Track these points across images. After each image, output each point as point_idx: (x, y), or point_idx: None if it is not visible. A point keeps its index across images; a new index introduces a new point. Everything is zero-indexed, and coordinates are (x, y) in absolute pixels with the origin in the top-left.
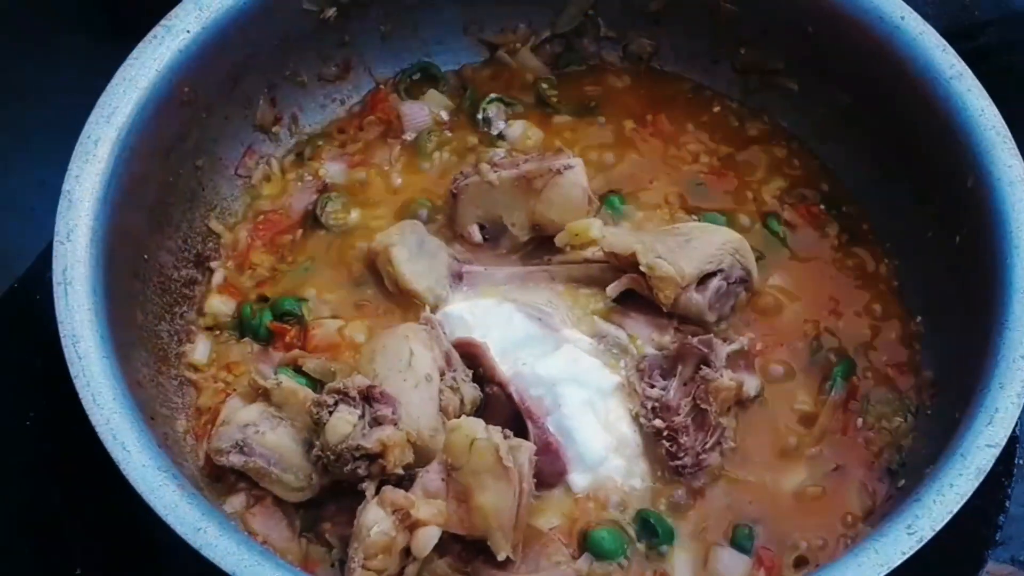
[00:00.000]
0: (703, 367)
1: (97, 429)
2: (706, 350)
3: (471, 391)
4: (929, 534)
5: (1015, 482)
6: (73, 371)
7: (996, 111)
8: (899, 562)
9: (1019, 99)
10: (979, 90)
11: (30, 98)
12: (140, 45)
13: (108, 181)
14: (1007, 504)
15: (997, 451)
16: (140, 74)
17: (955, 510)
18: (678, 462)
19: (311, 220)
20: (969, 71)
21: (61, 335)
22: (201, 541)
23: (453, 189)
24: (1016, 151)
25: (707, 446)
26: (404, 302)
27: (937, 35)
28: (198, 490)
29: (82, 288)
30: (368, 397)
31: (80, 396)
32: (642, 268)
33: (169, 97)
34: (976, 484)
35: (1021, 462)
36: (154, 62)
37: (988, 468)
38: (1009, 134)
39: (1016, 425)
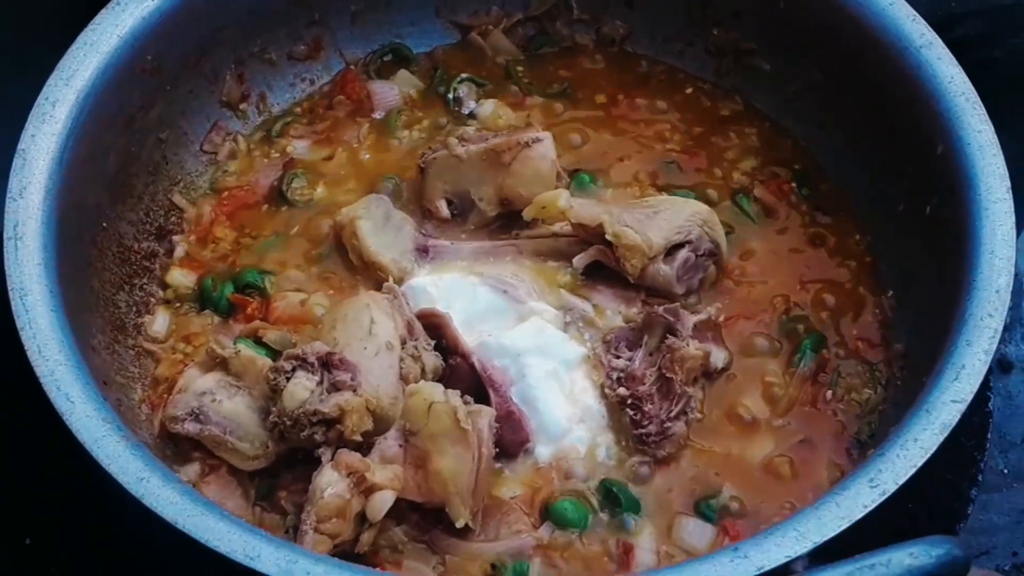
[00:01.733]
0: (669, 336)
1: (42, 380)
2: (672, 319)
3: (432, 360)
4: (892, 487)
5: (992, 480)
6: (19, 323)
7: (965, 78)
8: (861, 515)
9: (997, 92)
10: (949, 58)
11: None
12: (103, 11)
13: (64, 143)
14: (979, 478)
15: (963, 407)
16: (102, 39)
17: (919, 464)
18: (642, 430)
19: (276, 195)
20: (939, 40)
21: (9, 288)
22: (143, 490)
23: (421, 163)
24: (986, 117)
25: (672, 415)
26: (368, 276)
27: (907, 6)
28: None
29: (32, 244)
30: (327, 363)
31: (25, 348)
32: (608, 237)
33: (131, 65)
34: (940, 439)
35: (1000, 467)
36: (116, 28)
37: (953, 423)
38: (979, 100)
39: (989, 399)
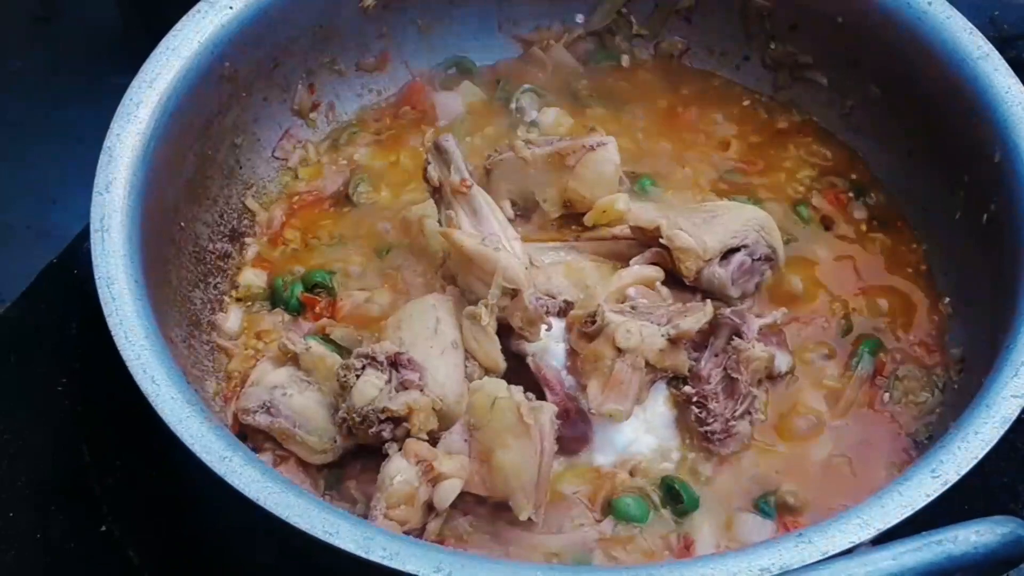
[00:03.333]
0: (735, 338)
1: (128, 364)
2: (739, 321)
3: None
4: (954, 478)
5: None
6: (107, 310)
7: (1022, 88)
8: (923, 504)
9: None
10: (1006, 69)
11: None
12: (184, 18)
13: (147, 142)
14: None
15: (1022, 401)
16: (182, 44)
17: (980, 456)
18: (707, 428)
19: (343, 199)
20: (996, 52)
21: (96, 277)
22: (226, 469)
23: (487, 165)
24: None
25: (736, 414)
26: (431, 274)
27: (963, 18)
28: None
29: (118, 235)
30: (395, 363)
31: (112, 333)
32: (663, 240)
33: (210, 70)
34: (1001, 431)
35: None
36: (196, 34)
37: (1013, 417)
38: None
39: None
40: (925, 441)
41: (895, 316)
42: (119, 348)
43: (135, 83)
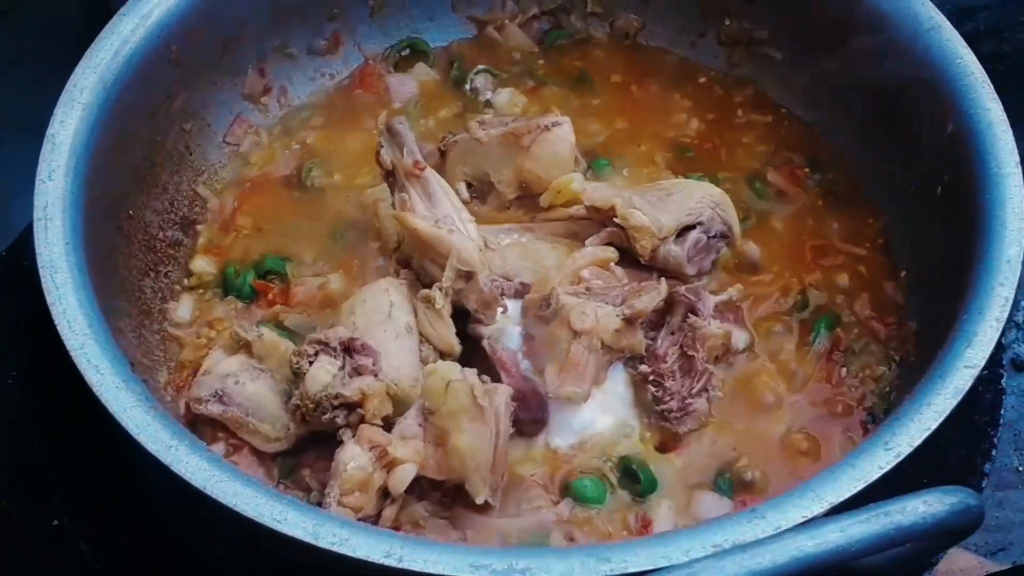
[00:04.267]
0: (691, 316)
1: (72, 353)
2: (694, 299)
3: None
4: (907, 450)
5: (1008, 478)
6: (50, 299)
7: (974, 59)
8: (876, 476)
9: (1008, 86)
10: (957, 39)
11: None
12: (130, 1)
13: (92, 128)
14: (993, 453)
15: (975, 372)
16: (128, 28)
17: (933, 427)
18: (664, 406)
19: (295, 184)
20: (947, 23)
21: (39, 266)
22: (172, 458)
23: (441, 146)
24: (995, 95)
25: (693, 391)
26: (385, 257)
27: None
28: None
29: (61, 223)
30: (349, 348)
31: (56, 323)
32: (618, 220)
33: (156, 55)
34: (954, 403)
35: (1016, 465)
36: (142, 18)
37: (966, 388)
38: (987, 80)
39: (1001, 376)
40: (882, 415)
41: (852, 290)
42: (62, 337)
43: (79, 69)
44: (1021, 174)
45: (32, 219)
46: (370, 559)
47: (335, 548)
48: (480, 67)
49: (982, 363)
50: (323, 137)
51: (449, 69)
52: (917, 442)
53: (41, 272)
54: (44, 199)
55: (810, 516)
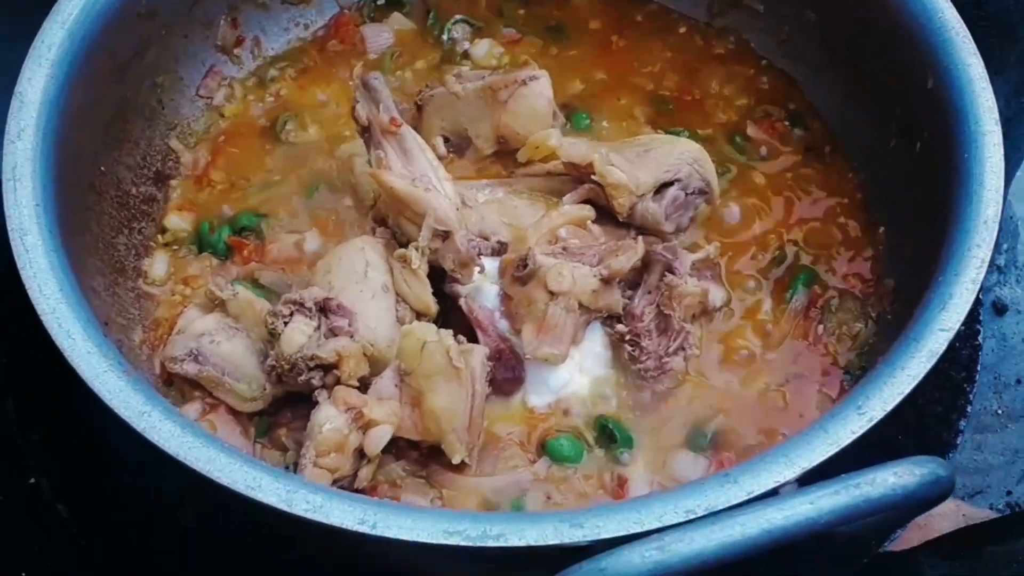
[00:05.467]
0: (667, 275)
1: (43, 318)
2: (670, 257)
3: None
4: (880, 414)
5: (987, 421)
6: (20, 263)
7: (955, 12)
8: (848, 441)
9: (989, 34)
10: None
11: None
12: None
13: (61, 85)
14: (968, 409)
15: (950, 335)
16: None
17: (907, 391)
18: (640, 365)
19: (270, 138)
20: None
21: (9, 230)
22: (145, 424)
23: (418, 100)
24: (975, 50)
25: (670, 350)
26: (361, 214)
27: None
28: None
29: (30, 184)
30: (324, 308)
31: (26, 286)
32: (595, 176)
33: (125, 8)
34: (928, 366)
35: (995, 408)
36: None
37: (940, 351)
38: (968, 34)
39: (978, 332)
40: (859, 372)
41: (830, 247)
42: (33, 302)
43: (46, 24)
44: (1000, 132)
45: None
46: (344, 526)
47: (308, 515)
48: (457, 17)
49: (957, 326)
50: (298, 89)
51: (425, 18)
52: (890, 406)
53: (11, 235)
54: (12, 159)
55: (783, 481)
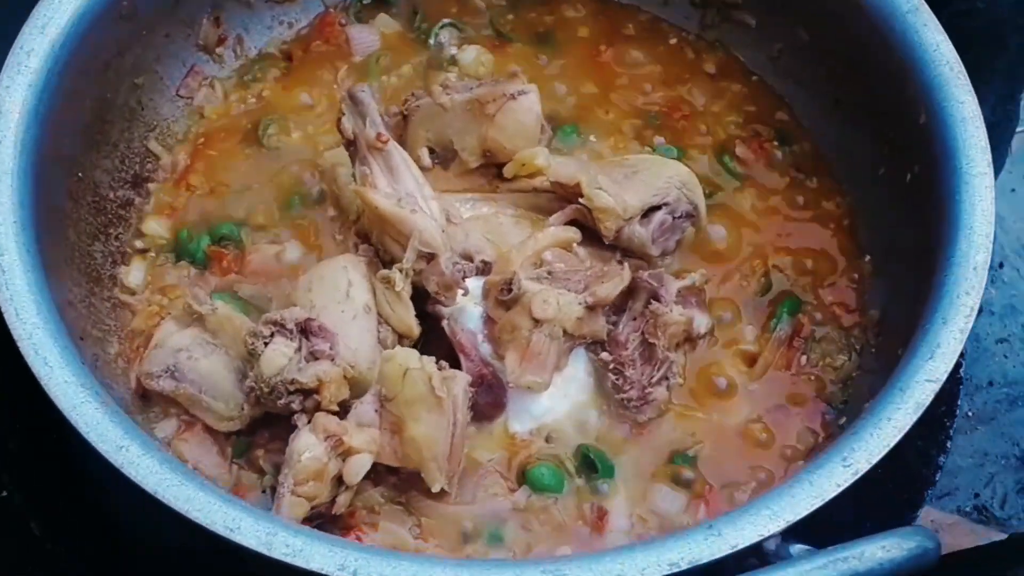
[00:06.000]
0: (653, 302)
1: (20, 344)
2: (656, 285)
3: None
4: (865, 467)
5: (957, 423)
6: None
7: (951, 47)
8: (834, 494)
9: (981, 44)
10: (935, 25)
11: None
12: None
13: (40, 94)
14: (948, 445)
15: (937, 386)
16: None
17: (892, 444)
18: (623, 395)
19: (252, 142)
20: (925, 6)
21: None
22: (123, 459)
23: (404, 110)
24: (970, 88)
25: (653, 380)
26: (343, 226)
27: None
28: (128, 414)
29: (8, 201)
30: (305, 330)
31: (3, 310)
32: (582, 201)
33: (107, 11)
34: (914, 418)
35: (965, 410)
36: None
37: (927, 403)
38: (963, 70)
39: (960, 366)
40: (841, 405)
41: (815, 273)
42: (9, 326)
43: (25, 30)
44: (992, 175)
45: None
46: (324, 571)
47: (288, 559)
48: (445, 21)
49: (944, 376)
50: (281, 90)
51: (412, 20)
52: (876, 459)
53: None
54: None
55: (767, 534)
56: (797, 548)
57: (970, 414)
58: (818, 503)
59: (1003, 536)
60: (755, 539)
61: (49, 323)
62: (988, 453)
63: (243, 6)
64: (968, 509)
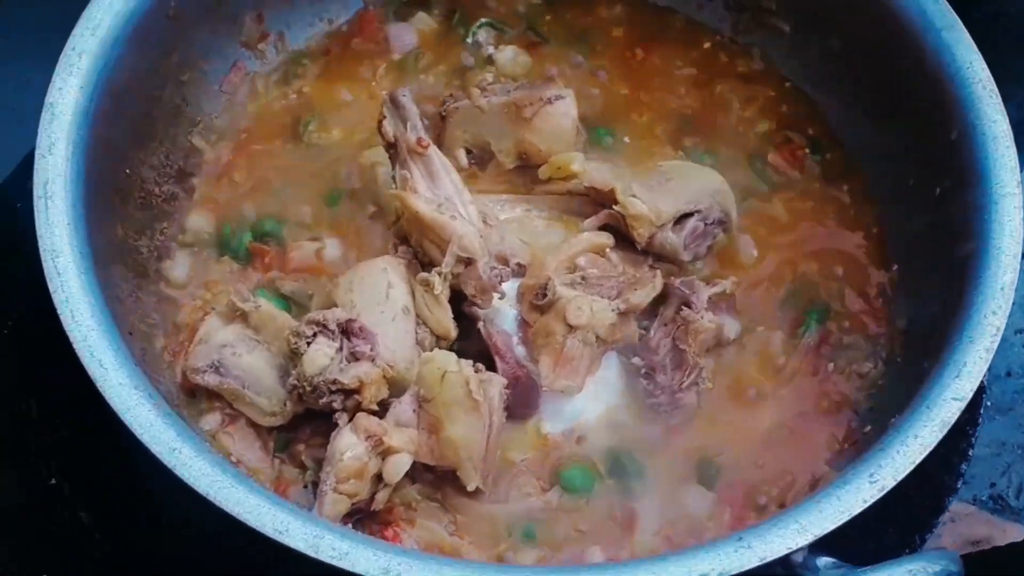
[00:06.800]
0: (684, 308)
1: (75, 345)
2: (688, 292)
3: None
4: (891, 483)
5: (979, 430)
6: (52, 286)
7: (984, 65)
8: (860, 510)
9: (1009, 45)
10: (968, 42)
11: None
12: None
13: (91, 94)
14: (970, 452)
15: (963, 404)
16: None
17: (918, 461)
18: (654, 400)
19: (293, 138)
20: (960, 23)
21: (40, 250)
22: (175, 461)
23: (442, 111)
24: (1001, 106)
25: (683, 385)
26: (383, 224)
27: None
28: (174, 408)
29: (62, 203)
30: (347, 331)
31: (59, 312)
32: (616, 208)
33: (155, 11)
34: (940, 436)
35: (988, 404)
36: None
37: (953, 421)
38: (995, 88)
39: (984, 386)
40: (866, 413)
41: (844, 281)
42: (65, 327)
43: (76, 32)
44: (1021, 195)
45: (28, 145)
46: (368, 574)
47: (335, 562)
48: (483, 20)
49: (970, 395)
50: (320, 86)
51: (450, 18)
52: (902, 475)
53: (43, 255)
54: (44, 175)
55: (795, 547)
56: (824, 561)
57: (988, 404)
58: (845, 517)
59: (1019, 526)
60: (783, 552)
61: (102, 324)
62: (1005, 443)
63: (285, 3)
64: (984, 498)
